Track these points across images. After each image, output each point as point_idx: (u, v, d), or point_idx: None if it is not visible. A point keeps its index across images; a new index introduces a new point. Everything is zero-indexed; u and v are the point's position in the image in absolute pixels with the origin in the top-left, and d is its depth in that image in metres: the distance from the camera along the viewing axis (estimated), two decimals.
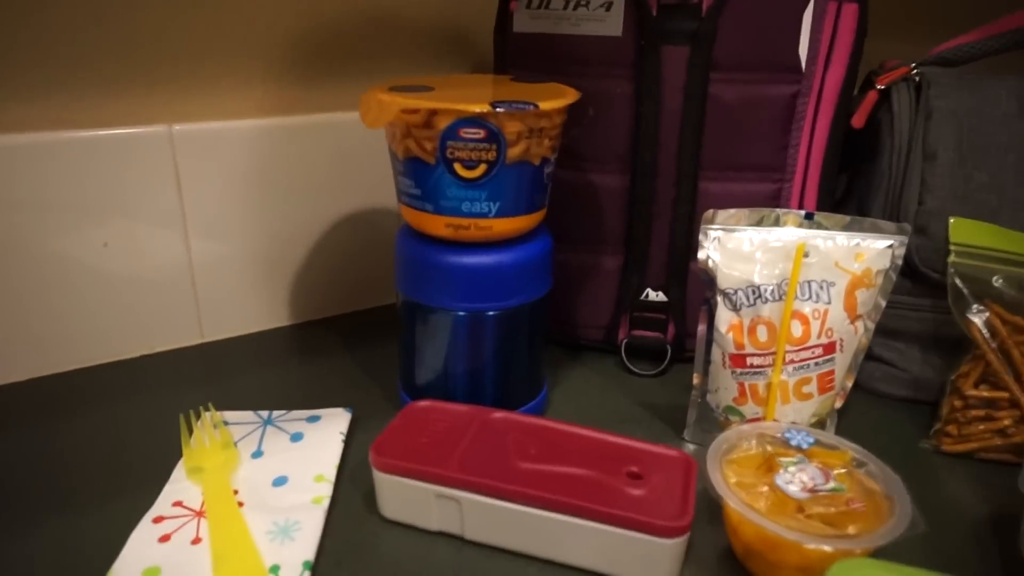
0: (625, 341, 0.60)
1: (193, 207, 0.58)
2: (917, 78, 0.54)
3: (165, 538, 0.39)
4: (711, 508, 0.44)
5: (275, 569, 0.37)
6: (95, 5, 0.52)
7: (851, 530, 0.37)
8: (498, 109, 0.40)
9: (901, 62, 0.56)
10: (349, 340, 0.64)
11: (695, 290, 0.58)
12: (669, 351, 0.59)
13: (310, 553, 0.38)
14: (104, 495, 0.44)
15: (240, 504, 0.42)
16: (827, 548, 0.35)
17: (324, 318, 0.68)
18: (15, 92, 0.51)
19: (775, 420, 0.47)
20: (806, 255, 0.45)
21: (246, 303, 0.63)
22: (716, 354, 0.48)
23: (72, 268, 0.54)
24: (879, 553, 0.36)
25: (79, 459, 0.47)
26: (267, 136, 0.59)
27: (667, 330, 0.60)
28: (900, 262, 0.45)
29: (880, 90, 0.55)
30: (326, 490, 0.43)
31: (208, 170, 0.58)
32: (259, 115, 0.60)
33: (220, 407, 0.52)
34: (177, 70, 0.56)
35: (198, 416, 0.50)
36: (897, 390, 0.57)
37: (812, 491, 0.39)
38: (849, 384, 0.48)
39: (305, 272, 0.65)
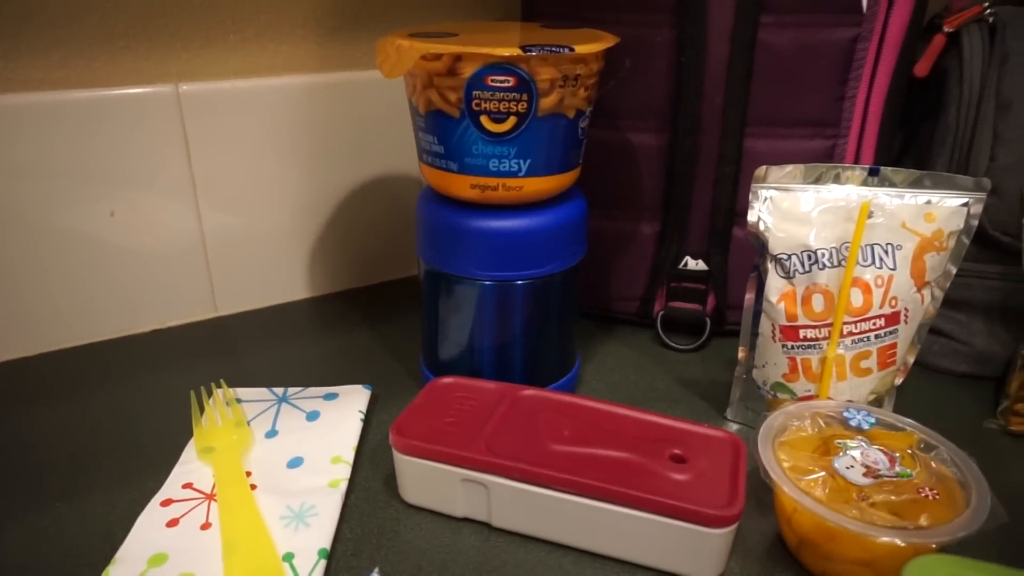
0: (661, 313, 0.56)
1: (203, 173, 0.55)
2: (991, 19, 0.49)
3: (173, 522, 0.37)
4: (757, 493, 0.41)
5: (288, 557, 0.34)
6: None
7: (923, 521, 0.33)
8: (530, 52, 0.36)
9: (971, 2, 0.50)
10: (369, 314, 0.61)
11: (738, 258, 0.53)
12: (708, 324, 0.56)
13: (326, 540, 0.36)
14: (111, 476, 0.41)
15: (253, 487, 0.39)
16: (898, 542, 0.31)
17: (343, 291, 0.65)
18: (10, 49, 0.48)
19: (829, 398, 0.43)
20: (870, 215, 0.41)
21: (261, 275, 0.60)
22: (765, 326, 0.44)
23: (78, 238, 0.52)
24: (953, 547, 0.32)
25: (86, 438, 0.44)
26: (279, 96, 0.56)
27: (706, 301, 0.56)
28: (976, 223, 0.41)
29: (948, 34, 0.50)
30: (343, 472, 0.40)
31: (218, 133, 0.54)
32: (270, 74, 0.56)
33: (234, 384, 0.49)
34: (181, 23, 0.52)
35: (210, 393, 0.47)
36: (957, 365, 0.52)
37: (875, 476, 0.35)
38: (911, 359, 0.44)
39: (323, 242, 0.62)
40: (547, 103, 0.39)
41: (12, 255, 0.50)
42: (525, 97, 0.38)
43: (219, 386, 0.48)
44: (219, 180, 0.56)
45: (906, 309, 0.42)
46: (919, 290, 0.42)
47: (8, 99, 0.47)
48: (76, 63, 0.50)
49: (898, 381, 0.44)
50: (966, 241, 0.41)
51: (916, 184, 0.41)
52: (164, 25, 0.52)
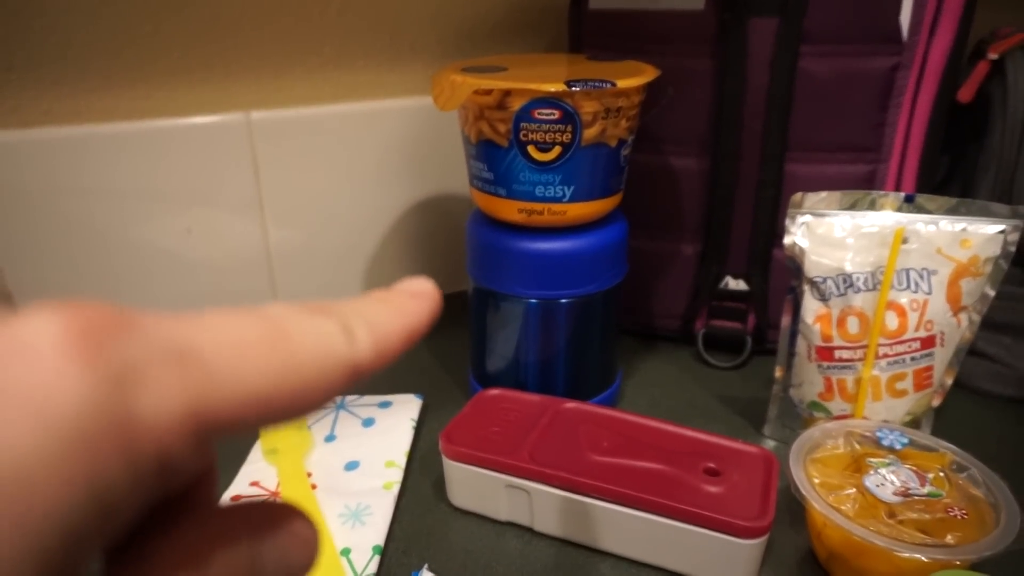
0: (702, 331, 0.58)
1: (270, 193, 0.59)
2: None
3: None
4: (792, 508, 0.42)
5: (346, 552, 0.37)
6: None
7: (949, 539, 0.34)
8: (574, 88, 0.39)
9: (1016, 29, 0.51)
10: None
11: (778, 279, 0.55)
12: (749, 342, 0.57)
13: (380, 538, 0.39)
14: None
15: (313, 487, 0.42)
16: (922, 557, 0.32)
17: None
18: (102, 83, 0.53)
19: (865, 418, 0.44)
20: (905, 241, 0.42)
21: (321, 288, 0.64)
22: (801, 346, 0.46)
23: (156, 253, 0.56)
24: (981, 566, 0.33)
25: None
26: (341, 121, 0.60)
27: (747, 320, 0.57)
28: (1013, 249, 0.41)
29: (992, 60, 0.50)
30: (396, 476, 0.43)
31: (284, 156, 0.58)
32: (333, 101, 0.60)
33: None
34: (253, 56, 0.57)
35: None
36: (1003, 389, 0.52)
37: (905, 495, 0.36)
38: (949, 381, 0.45)
39: (379, 258, 0.65)
40: (590, 134, 0.41)
41: (97, 269, 0.55)
42: (569, 128, 0.41)
43: None
44: (284, 199, 0.60)
45: (942, 333, 0.42)
46: (955, 314, 0.42)
47: (102, 128, 0.52)
48: (159, 94, 0.55)
49: (936, 403, 0.45)
50: (1004, 266, 0.42)
51: (952, 211, 0.42)
52: (237, 58, 0.56)
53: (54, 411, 0.09)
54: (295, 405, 0.12)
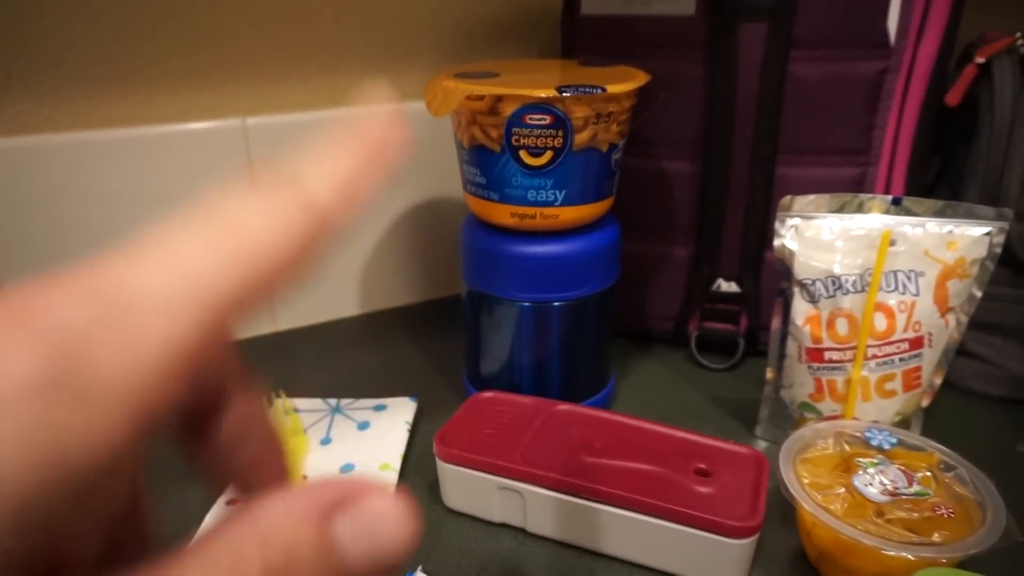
0: (695, 333, 0.58)
1: None
2: (1022, 49, 0.50)
3: None
4: (783, 508, 0.43)
5: None
6: (171, 2, 0.54)
7: (936, 537, 0.34)
8: (564, 93, 0.39)
9: (1004, 33, 0.51)
10: (416, 330, 0.64)
11: (770, 281, 0.55)
12: (741, 344, 0.57)
13: None
14: (179, 478, 0.45)
15: None
16: (908, 556, 0.33)
17: (392, 308, 0.69)
18: (103, 90, 0.53)
19: (855, 418, 0.45)
20: (892, 243, 0.42)
21: (318, 293, 0.64)
22: (791, 348, 0.46)
23: None
24: (967, 564, 0.33)
25: (159, 440, 0.49)
26: (336, 127, 0.60)
27: (739, 322, 0.57)
28: (999, 251, 0.42)
29: (979, 64, 0.51)
30: (391, 479, 0.43)
31: (281, 162, 0.59)
32: (328, 106, 0.61)
33: (291, 394, 0.53)
34: (249, 63, 0.57)
35: (270, 403, 0.51)
36: (993, 389, 0.53)
37: (893, 494, 0.37)
38: (938, 381, 0.45)
39: (374, 262, 0.66)
40: (581, 138, 0.42)
41: None
42: (561, 133, 0.41)
43: (279, 396, 0.52)
44: None
45: (930, 334, 0.43)
46: (943, 315, 0.43)
47: (100, 134, 0.52)
48: (158, 100, 0.55)
49: (925, 403, 0.45)
50: (990, 267, 0.43)
51: (938, 214, 0.43)
52: (234, 65, 0.57)
53: (7, 394, 0.09)
54: (275, 283, 0.12)
